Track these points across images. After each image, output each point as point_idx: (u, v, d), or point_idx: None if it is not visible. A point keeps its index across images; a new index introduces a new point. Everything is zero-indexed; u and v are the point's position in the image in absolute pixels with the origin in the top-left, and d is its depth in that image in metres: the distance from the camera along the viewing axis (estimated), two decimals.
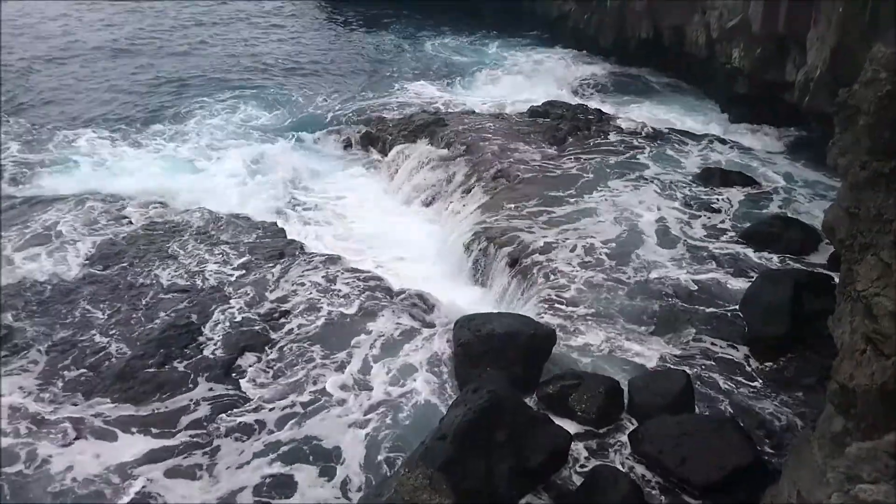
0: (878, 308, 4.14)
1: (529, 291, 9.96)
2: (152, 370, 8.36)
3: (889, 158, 4.51)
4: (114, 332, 9.09)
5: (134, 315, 9.45)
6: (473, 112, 17.20)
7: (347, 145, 16.41)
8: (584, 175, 13.42)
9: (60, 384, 8.21)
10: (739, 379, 8.15)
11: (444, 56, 23.34)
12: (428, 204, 13.60)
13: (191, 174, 14.39)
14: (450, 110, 17.58)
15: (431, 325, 9.28)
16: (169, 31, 25.69)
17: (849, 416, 3.95)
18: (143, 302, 9.74)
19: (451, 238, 11.92)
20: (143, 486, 6.84)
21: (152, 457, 7.20)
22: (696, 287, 9.79)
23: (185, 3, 30.02)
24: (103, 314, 9.46)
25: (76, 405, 7.89)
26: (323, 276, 10.34)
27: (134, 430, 7.55)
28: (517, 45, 24.70)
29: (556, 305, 9.48)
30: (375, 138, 16.35)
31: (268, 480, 6.94)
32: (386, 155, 15.52)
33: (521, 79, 20.76)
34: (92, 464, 7.10)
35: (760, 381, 8.12)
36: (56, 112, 17.29)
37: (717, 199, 12.47)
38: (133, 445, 7.34)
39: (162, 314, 9.43)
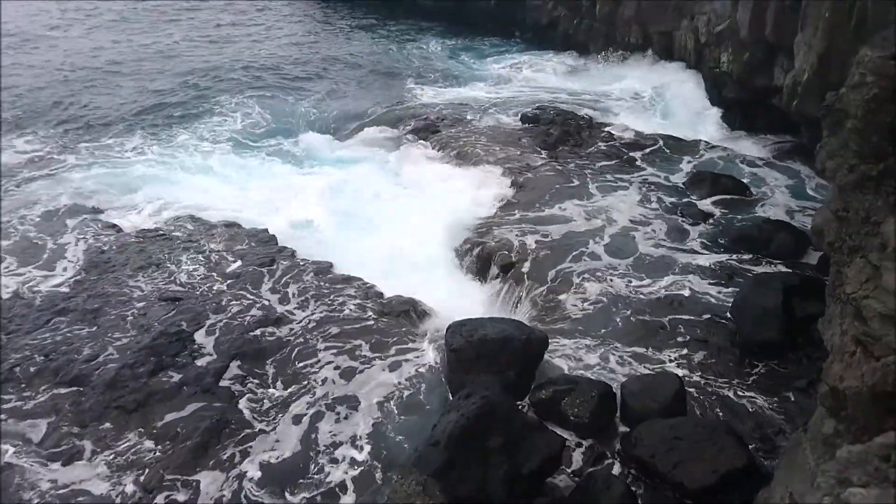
0: (867, 310, 4.16)
1: (521, 297, 9.96)
2: (143, 379, 8.30)
3: (877, 161, 4.54)
4: (104, 341, 9.02)
5: (124, 324, 9.38)
6: (466, 116, 17.24)
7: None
8: (574, 181, 13.50)
9: (49, 394, 8.14)
10: (731, 382, 8.17)
11: (438, 61, 23.42)
12: None
13: (185, 175, 14.36)
14: (445, 113, 17.66)
15: (423, 332, 9.26)
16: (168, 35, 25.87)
17: (840, 418, 3.97)
18: (133, 310, 9.67)
19: (442, 243, 11.89)
20: (136, 497, 6.80)
21: (143, 466, 7.15)
22: (688, 292, 9.82)
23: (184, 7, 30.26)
24: (92, 323, 9.39)
25: (66, 416, 7.81)
26: (314, 284, 10.31)
27: (125, 439, 7.49)
28: (509, 50, 24.83)
29: (549, 311, 9.50)
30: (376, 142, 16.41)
31: (261, 491, 6.90)
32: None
33: (514, 83, 20.83)
34: (85, 476, 7.05)
35: (752, 384, 8.14)
36: (58, 120, 17.21)
37: (707, 204, 12.53)
38: (124, 455, 7.29)
39: (152, 322, 9.37)
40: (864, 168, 4.56)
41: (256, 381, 8.38)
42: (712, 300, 9.62)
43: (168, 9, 30.53)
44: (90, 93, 19.42)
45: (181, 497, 6.81)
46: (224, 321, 9.42)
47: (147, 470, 7.09)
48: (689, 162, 14.58)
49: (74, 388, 8.23)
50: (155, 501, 6.76)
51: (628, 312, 9.40)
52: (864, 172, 4.57)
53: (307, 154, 15.96)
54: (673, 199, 12.71)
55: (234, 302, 9.85)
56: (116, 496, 6.81)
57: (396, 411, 7.84)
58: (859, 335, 4.12)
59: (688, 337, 8.93)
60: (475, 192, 13.03)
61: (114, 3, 30.98)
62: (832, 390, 4.15)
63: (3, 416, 7.76)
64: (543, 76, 21.75)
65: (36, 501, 6.75)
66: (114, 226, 12.06)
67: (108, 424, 7.69)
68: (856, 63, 4.78)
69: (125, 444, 7.44)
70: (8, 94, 18.83)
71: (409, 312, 9.63)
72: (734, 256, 10.73)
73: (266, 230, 11.99)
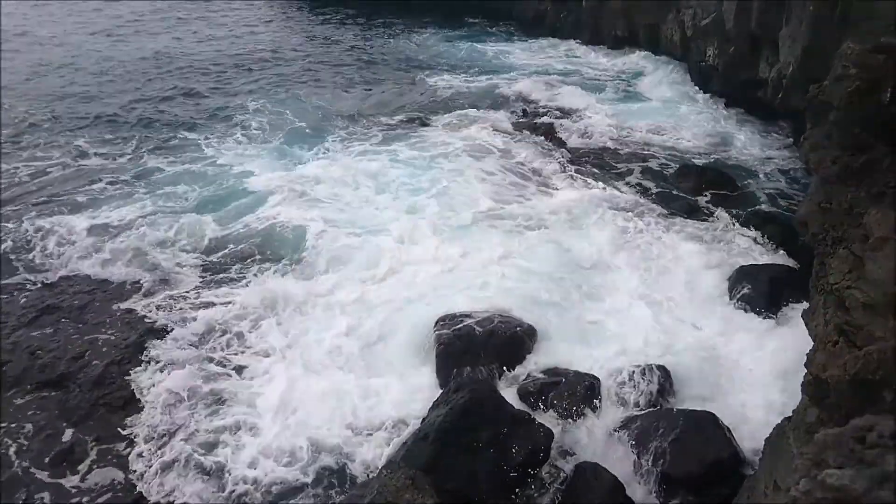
0: (850, 300, 4.21)
1: None
2: (130, 376, 8.25)
3: (859, 153, 4.59)
4: (89, 337, 8.96)
5: (110, 319, 9.32)
6: (454, 114, 17.39)
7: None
8: (560, 174, 13.60)
9: (36, 394, 8.07)
10: (718, 372, 8.21)
11: (436, 56, 23.53)
12: None
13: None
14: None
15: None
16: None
17: (822, 406, 4.02)
18: (120, 307, 9.60)
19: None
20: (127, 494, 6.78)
21: (132, 464, 7.12)
22: (677, 286, 9.85)
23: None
24: (79, 320, 9.32)
25: (53, 415, 7.76)
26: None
27: (114, 437, 7.45)
28: (500, 42, 24.93)
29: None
30: None
31: (249, 485, 6.88)
32: None
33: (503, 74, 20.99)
34: (74, 475, 7.01)
35: (738, 374, 8.19)
36: (103, 120, 16.92)
37: (695, 197, 12.60)
38: (113, 453, 7.25)
39: (140, 317, 9.31)
40: (847, 160, 4.62)
41: (244, 377, 8.34)
42: (701, 294, 9.66)
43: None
44: (120, 91, 19.17)
45: (172, 494, 6.78)
46: (210, 316, 9.36)
47: (139, 469, 7.05)
48: (675, 153, 14.70)
49: (61, 387, 8.16)
50: (146, 499, 6.72)
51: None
52: (846, 164, 4.62)
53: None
54: (659, 193, 12.78)
55: (217, 299, 9.79)
56: (106, 494, 6.77)
57: (386, 406, 7.81)
58: (842, 325, 4.17)
59: (677, 329, 8.97)
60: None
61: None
62: (815, 379, 4.20)
63: None
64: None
65: (21, 500, 6.70)
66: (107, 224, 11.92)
67: (95, 423, 7.63)
68: (839, 56, 4.83)
69: (114, 442, 7.39)
70: (33, 95, 18.52)
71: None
72: (722, 249, 10.79)
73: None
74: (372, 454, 7.03)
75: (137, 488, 6.80)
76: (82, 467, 7.09)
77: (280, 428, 7.39)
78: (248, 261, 10.62)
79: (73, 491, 6.83)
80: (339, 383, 8.02)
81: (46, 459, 7.16)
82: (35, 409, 7.85)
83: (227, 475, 6.84)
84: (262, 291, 9.72)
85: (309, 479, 6.81)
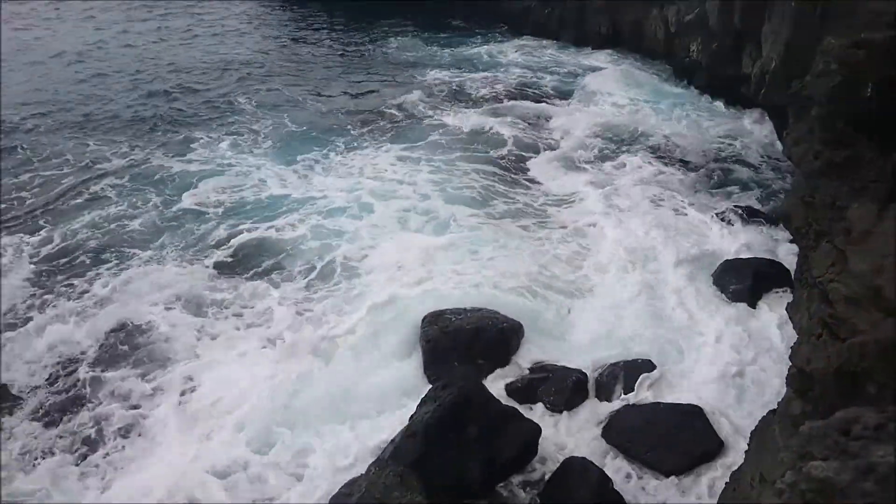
0: (833, 293, 4.25)
1: None
2: (113, 373, 8.19)
3: (842, 148, 4.63)
4: (76, 336, 8.88)
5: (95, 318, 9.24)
6: (451, 110, 17.51)
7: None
8: (552, 170, 13.67)
9: (22, 396, 8.01)
10: (703, 366, 8.26)
11: (419, 55, 23.49)
12: None
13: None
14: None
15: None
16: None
17: (807, 399, 4.06)
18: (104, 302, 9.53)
19: None
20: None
21: (118, 464, 7.06)
22: (663, 278, 9.90)
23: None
24: (65, 321, 9.22)
25: (38, 415, 7.70)
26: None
27: (100, 436, 7.40)
28: (485, 42, 24.95)
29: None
30: None
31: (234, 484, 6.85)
32: None
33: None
34: (58, 474, 6.95)
35: (727, 367, 8.23)
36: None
37: (685, 191, 12.63)
38: (98, 452, 7.20)
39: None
40: (830, 154, 4.65)
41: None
42: (688, 288, 9.68)
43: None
44: (106, 99, 18.76)
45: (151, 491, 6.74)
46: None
47: (126, 469, 7.01)
48: (661, 145, 14.81)
49: (49, 387, 8.09)
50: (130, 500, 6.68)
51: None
52: (829, 159, 4.66)
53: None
54: (650, 187, 12.82)
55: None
56: (91, 494, 6.73)
57: (373, 401, 7.79)
58: (825, 318, 4.21)
59: (664, 324, 9.01)
60: None
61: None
62: (799, 372, 4.24)
63: None
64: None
65: (6, 501, 6.64)
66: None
67: (79, 422, 7.57)
68: (821, 51, 4.86)
69: (98, 441, 7.34)
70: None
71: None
72: (708, 243, 10.83)
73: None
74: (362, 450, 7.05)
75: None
76: (68, 466, 7.02)
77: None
78: (243, 267, 10.56)
79: (59, 490, 6.76)
80: (330, 379, 8.01)
81: (33, 461, 7.08)
82: (22, 410, 7.77)
83: None
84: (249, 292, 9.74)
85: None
